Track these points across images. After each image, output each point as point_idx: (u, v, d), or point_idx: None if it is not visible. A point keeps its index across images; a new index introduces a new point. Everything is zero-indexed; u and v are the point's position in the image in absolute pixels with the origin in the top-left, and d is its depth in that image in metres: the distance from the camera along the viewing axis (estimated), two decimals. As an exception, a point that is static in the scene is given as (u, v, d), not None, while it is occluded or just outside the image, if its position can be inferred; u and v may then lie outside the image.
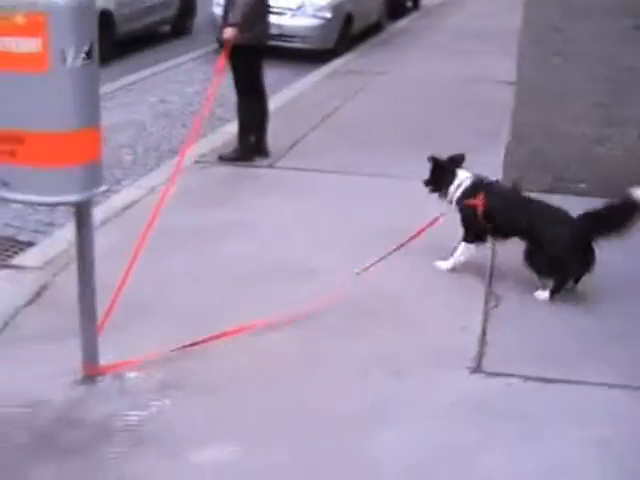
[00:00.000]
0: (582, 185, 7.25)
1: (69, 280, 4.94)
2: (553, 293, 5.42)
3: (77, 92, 3.56)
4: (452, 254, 5.76)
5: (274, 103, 9.78)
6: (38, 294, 5.34)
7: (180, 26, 16.21)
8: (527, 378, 4.43)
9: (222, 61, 7.01)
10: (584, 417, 4.15)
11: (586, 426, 4.07)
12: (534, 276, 5.46)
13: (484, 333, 4.88)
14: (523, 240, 5.51)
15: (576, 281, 5.54)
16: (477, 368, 4.53)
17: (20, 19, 3.44)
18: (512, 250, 5.65)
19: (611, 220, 5.34)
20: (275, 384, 4.38)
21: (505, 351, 4.73)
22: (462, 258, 5.77)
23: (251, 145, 8.21)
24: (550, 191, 7.16)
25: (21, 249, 6.40)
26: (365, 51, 14.89)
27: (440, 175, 5.88)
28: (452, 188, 5.76)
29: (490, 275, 5.69)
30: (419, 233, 5.75)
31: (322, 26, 14.06)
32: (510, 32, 9.62)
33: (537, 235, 5.45)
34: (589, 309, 5.35)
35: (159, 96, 11.40)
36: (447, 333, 4.91)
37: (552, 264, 5.42)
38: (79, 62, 3.50)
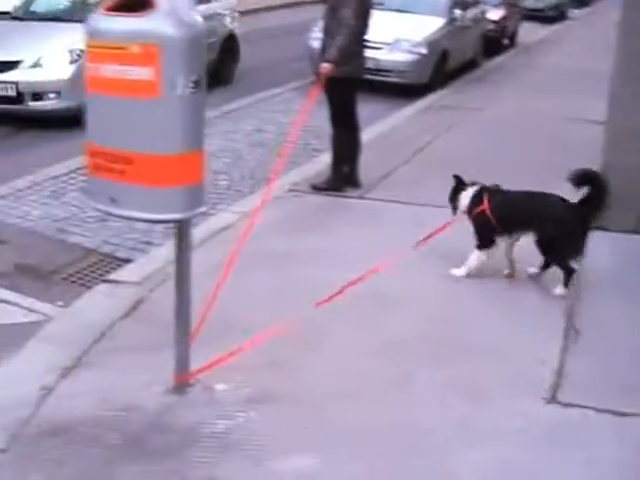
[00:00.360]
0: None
1: (164, 296, 5.22)
2: (566, 284, 6.02)
3: (184, 118, 3.84)
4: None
5: (367, 135, 10.02)
6: (134, 308, 5.63)
7: (221, 74, 14.32)
8: (602, 411, 4.52)
9: (314, 93, 7.31)
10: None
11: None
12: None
13: (562, 365, 4.99)
14: (529, 232, 6.08)
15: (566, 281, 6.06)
16: (552, 398, 4.64)
17: (136, 49, 3.73)
18: (594, 289, 5.77)
19: (597, 204, 6.04)
20: (357, 402, 4.57)
21: (582, 383, 4.83)
22: (475, 264, 6.23)
23: (343, 176, 8.44)
24: (634, 231, 7.25)
25: (118, 265, 6.74)
26: (459, 87, 15.05)
27: (457, 192, 6.41)
28: (462, 199, 6.31)
29: (571, 309, 5.79)
30: (437, 232, 6.13)
31: (418, 61, 14.26)
32: (604, 72, 9.70)
33: (542, 223, 6.04)
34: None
35: (255, 125, 11.73)
36: (525, 364, 5.04)
37: (558, 247, 6.04)
38: (187, 90, 3.77)
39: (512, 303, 5.92)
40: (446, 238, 6.12)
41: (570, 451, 4.19)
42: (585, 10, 36.07)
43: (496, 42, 20.21)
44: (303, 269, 6.22)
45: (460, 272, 6.25)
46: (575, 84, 14.66)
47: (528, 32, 24.22)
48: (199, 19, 3.88)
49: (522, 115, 12.43)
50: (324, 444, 4.17)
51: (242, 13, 23.37)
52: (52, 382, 4.64)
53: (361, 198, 8.19)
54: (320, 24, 14.14)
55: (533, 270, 6.32)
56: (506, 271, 6.35)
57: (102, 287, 6.07)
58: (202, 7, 12.27)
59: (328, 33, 8.09)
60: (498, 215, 6.14)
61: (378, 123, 11.59)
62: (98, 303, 5.75)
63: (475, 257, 6.25)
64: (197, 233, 6.51)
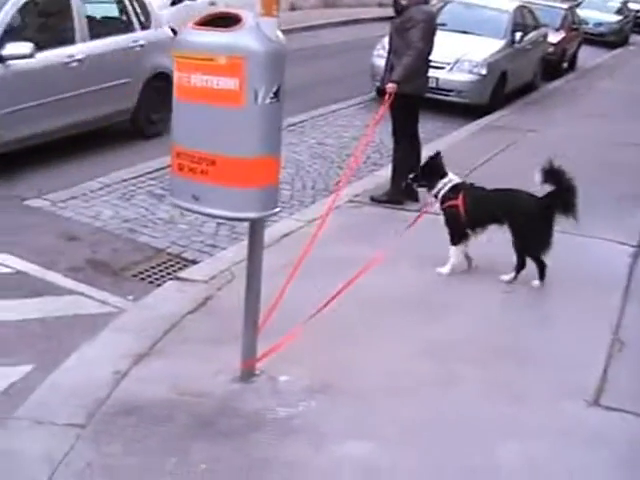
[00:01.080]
0: None
1: (231, 294, 5.59)
2: (542, 277, 6.51)
3: (264, 125, 4.18)
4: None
5: (426, 152, 10.26)
6: (202, 304, 5.97)
7: (141, 124, 10.92)
8: (641, 416, 4.79)
9: (381, 111, 7.67)
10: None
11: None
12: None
13: (605, 372, 5.25)
14: (502, 226, 6.50)
15: (541, 274, 6.55)
16: (595, 402, 4.91)
17: (222, 60, 4.07)
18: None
19: (565, 199, 6.49)
20: (411, 397, 4.89)
21: (624, 390, 5.09)
22: (456, 260, 6.69)
23: (402, 189, 8.73)
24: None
25: (185, 265, 7.09)
26: (517, 109, 15.23)
27: (431, 173, 6.90)
28: (440, 184, 6.79)
29: (617, 322, 6.04)
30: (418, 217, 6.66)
31: (477, 82, 14.47)
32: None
33: (513, 218, 6.47)
34: None
35: (317, 138, 12.06)
36: (570, 369, 5.31)
37: (526, 240, 6.50)
38: (268, 100, 4.12)
39: (559, 313, 6.16)
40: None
41: (608, 451, 4.45)
42: (648, 36, 35.97)
43: (555, 65, 20.24)
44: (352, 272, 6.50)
45: (445, 270, 6.68)
46: (631, 109, 14.83)
47: (588, 56, 24.33)
48: (281, 36, 4.23)
49: (575, 138, 12.62)
50: (378, 433, 4.48)
51: (303, 29, 23.98)
52: (125, 368, 5.00)
53: (418, 211, 8.45)
54: (384, 42, 14.58)
55: (506, 277, 6.64)
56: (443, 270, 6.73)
57: (171, 284, 6.42)
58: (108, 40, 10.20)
59: (395, 53, 8.45)
60: (470, 211, 6.57)
61: (436, 140, 11.86)
62: (168, 298, 6.10)
63: (453, 253, 6.70)
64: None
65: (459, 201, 6.63)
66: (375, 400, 4.83)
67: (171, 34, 11.08)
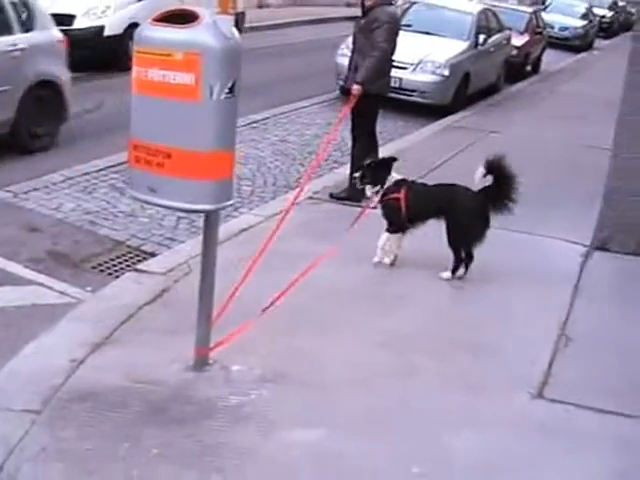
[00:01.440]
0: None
1: (187, 286, 5.69)
2: (454, 271, 6.71)
3: (219, 120, 4.29)
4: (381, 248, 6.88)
5: (387, 151, 10.37)
6: (159, 295, 6.07)
7: (21, 138, 9.74)
8: (583, 407, 4.96)
9: (345, 110, 7.85)
10: (628, 445, 4.66)
11: (628, 453, 4.59)
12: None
13: (550, 366, 5.41)
14: (440, 219, 6.69)
15: (466, 266, 6.74)
16: (539, 394, 5.07)
17: (179, 56, 4.18)
18: (591, 302, 6.27)
19: (500, 194, 6.66)
20: (364, 387, 5.02)
21: (567, 383, 5.26)
22: (387, 247, 6.86)
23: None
24: (633, 253, 7.66)
25: (145, 258, 7.18)
26: (479, 110, 15.42)
27: (377, 171, 6.99)
28: (384, 180, 6.91)
29: (566, 318, 6.21)
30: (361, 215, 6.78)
31: (440, 83, 14.64)
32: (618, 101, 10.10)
33: (450, 211, 6.67)
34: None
35: (280, 136, 12.18)
36: (518, 363, 5.48)
37: (462, 234, 6.67)
38: (223, 96, 4.23)
39: (510, 309, 6.33)
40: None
41: (551, 440, 4.62)
42: (612, 41, 36.40)
43: (519, 68, 20.46)
44: (316, 270, 6.60)
45: (376, 259, 6.86)
46: (592, 112, 15.04)
47: (553, 60, 24.61)
48: (236, 33, 4.34)
49: (536, 140, 12.83)
50: (328, 421, 4.60)
51: (271, 27, 24.10)
52: (82, 356, 5.09)
53: (375, 208, 8.58)
54: (348, 42, 14.70)
55: (446, 274, 6.77)
56: (387, 260, 6.92)
57: (130, 275, 6.51)
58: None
59: (359, 52, 8.62)
60: (411, 205, 6.75)
61: (397, 140, 12.03)
62: (126, 289, 6.19)
63: (384, 238, 6.85)
64: (220, 232, 6.93)
65: (401, 194, 6.80)
66: (328, 389, 4.95)
67: (60, 37, 10.40)
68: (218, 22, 4.22)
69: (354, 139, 8.96)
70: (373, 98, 8.61)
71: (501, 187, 6.65)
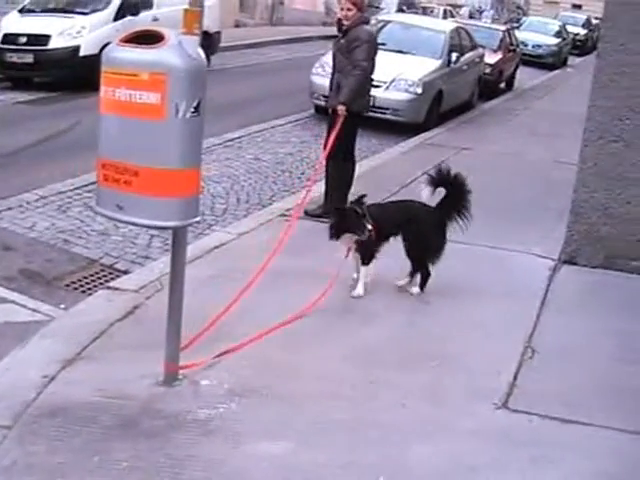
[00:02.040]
0: (634, 263, 7.80)
1: (159, 303, 5.75)
2: (423, 286, 6.76)
3: (185, 138, 4.38)
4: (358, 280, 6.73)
5: (359, 169, 10.52)
6: (131, 312, 6.12)
7: None
8: (547, 417, 5.06)
9: (337, 132, 8.24)
10: (590, 452, 4.76)
11: (589, 459, 4.69)
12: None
13: (515, 378, 5.51)
14: (400, 235, 6.72)
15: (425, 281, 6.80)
16: (503, 405, 5.17)
17: (145, 76, 4.28)
18: (558, 315, 6.35)
19: (457, 206, 6.75)
20: (331, 400, 5.09)
21: (532, 394, 5.35)
22: (369, 279, 6.72)
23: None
24: (602, 267, 7.79)
25: (118, 276, 7.25)
26: (452, 127, 15.56)
27: (353, 219, 6.58)
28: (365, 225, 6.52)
29: (532, 331, 6.31)
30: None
31: (413, 100, 14.79)
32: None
33: (409, 227, 6.70)
34: (618, 366, 5.94)
35: (254, 154, 12.28)
36: (483, 374, 5.56)
37: (422, 249, 6.72)
38: (189, 115, 4.32)
39: (477, 322, 6.42)
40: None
41: (514, 450, 4.71)
42: (586, 58, 36.75)
43: (493, 86, 20.69)
44: (287, 285, 6.71)
45: (360, 291, 6.68)
46: (564, 129, 15.18)
47: (527, 77, 24.87)
48: (202, 53, 4.44)
49: (509, 156, 13.00)
50: (295, 434, 4.68)
51: (247, 46, 24.24)
52: (53, 372, 5.14)
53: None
54: (322, 61, 14.88)
55: (401, 282, 6.90)
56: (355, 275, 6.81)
57: (102, 293, 6.57)
58: None
59: (341, 72, 8.71)
60: (379, 231, 6.63)
61: (371, 157, 12.15)
62: (98, 306, 6.25)
63: (365, 274, 6.71)
64: (193, 249, 7.05)
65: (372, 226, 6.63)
66: (295, 403, 5.02)
67: None
68: (183, 42, 4.32)
69: (329, 158, 9.00)
70: (353, 117, 8.72)
71: (455, 197, 6.74)
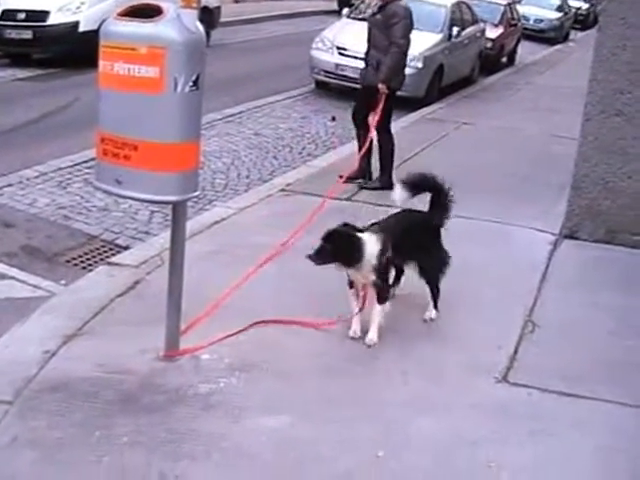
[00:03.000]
0: (635, 237, 7.79)
1: (160, 278, 5.74)
2: (435, 304, 5.91)
3: (184, 112, 4.37)
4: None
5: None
6: (131, 287, 6.12)
7: None
8: (546, 390, 5.07)
9: (381, 112, 8.58)
10: (589, 426, 4.77)
11: (589, 433, 4.70)
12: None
13: (516, 352, 5.52)
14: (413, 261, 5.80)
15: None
16: (503, 379, 5.18)
17: (143, 50, 4.25)
18: (559, 290, 6.38)
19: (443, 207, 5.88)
20: (331, 376, 5.10)
21: (531, 368, 5.36)
22: (382, 321, 5.49)
23: (391, 176, 9.05)
24: (602, 241, 7.78)
25: (118, 252, 7.25)
26: (453, 102, 15.51)
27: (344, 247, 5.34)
28: (366, 256, 5.31)
29: (532, 305, 6.32)
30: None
31: (414, 75, 14.68)
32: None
33: (419, 248, 5.73)
34: (618, 340, 5.93)
35: (254, 129, 12.26)
36: (484, 349, 5.58)
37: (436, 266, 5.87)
38: (187, 88, 4.31)
39: (477, 296, 6.42)
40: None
41: (512, 422, 4.73)
42: (588, 32, 36.54)
43: (494, 60, 20.60)
44: (291, 262, 6.65)
45: (374, 338, 5.48)
46: (565, 103, 15.10)
47: (528, 52, 24.76)
48: (200, 27, 4.42)
49: (510, 131, 12.95)
50: (295, 408, 4.69)
51: (246, 22, 24.12)
52: (54, 347, 5.15)
53: (348, 200, 8.67)
54: (322, 36, 14.86)
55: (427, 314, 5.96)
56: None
57: (102, 268, 6.57)
58: None
59: (376, 47, 8.88)
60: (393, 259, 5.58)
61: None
62: (98, 282, 6.25)
63: (380, 314, 5.49)
64: (193, 225, 7.06)
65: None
66: (296, 378, 5.03)
67: None
68: (182, 16, 4.29)
69: (378, 133, 9.06)
70: (394, 93, 8.93)
71: (440, 199, 5.90)
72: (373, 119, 8.65)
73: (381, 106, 8.59)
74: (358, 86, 9.62)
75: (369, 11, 15.43)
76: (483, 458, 4.39)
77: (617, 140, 7.69)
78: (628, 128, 7.67)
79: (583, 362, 5.53)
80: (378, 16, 8.91)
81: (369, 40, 9.05)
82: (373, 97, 8.72)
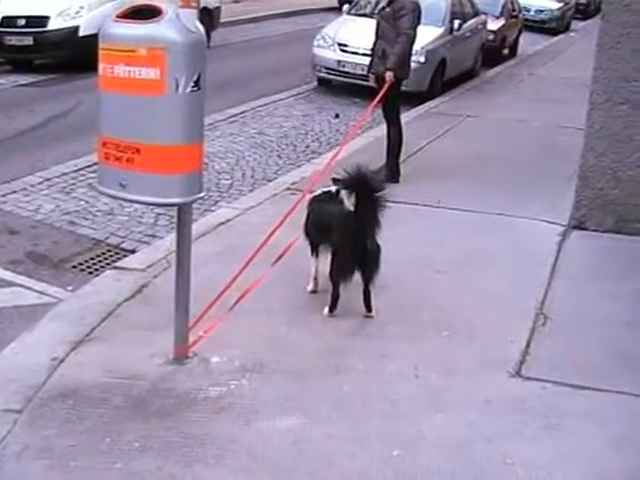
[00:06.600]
0: (643, 226, 7.74)
1: (167, 282, 5.72)
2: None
3: (186, 113, 4.32)
4: None
5: (366, 139, 10.57)
6: (138, 291, 6.08)
7: None
8: (560, 384, 5.02)
9: (380, 97, 8.59)
10: (604, 419, 4.72)
11: (604, 426, 4.64)
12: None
13: (528, 345, 5.47)
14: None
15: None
16: (517, 373, 5.13)
17: (143, 52, 4.21)
18: (569, 281, 6.34)
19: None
20: (342, 374, 5.05)
21: (545, 361, 5.31)
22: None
23: (397, 168, 9.29)
24: (611, 231, 7.72)
25: (125, 256, 7.21)
26: (457, 95, 15.42)
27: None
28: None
29: (543, 298, 6.26)
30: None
31: (416, 69, 14.60)
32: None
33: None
34: (630, 331, 5.88)
35: (258, 128, 12.20)
36: (496, 343, 5.53)
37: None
38: (189, 89, 4.26)
39: (488, 289, 6.37)
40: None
41: (526, 417, 4.68)
42: (589, 22, 36.39)
43: (496, 52, 20.48)
44: (296, 261, 6.61)
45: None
46: (569, 94, 15.04)
47: (530, 43, 24.65)
48: (200, 26, 4.37)
49: (514, 122, 12.88)
50: (308, 409, 4.64)
51: (247, 21, 24.07)
52: (62, 354, 5.11)
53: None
54: (324, 33, 14.86)
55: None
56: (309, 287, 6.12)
57: (109, 273, 6.53)
58: None
59: (384, 39, 9.12)
60: None
61: (376, 128, 12.03)
62: (105, 286, 6.21)
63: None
64: (199, 226, 7.02)
65: None
66: (307, 378, 4.99)
67: None
68: (181, 16, 4.24)
69: (388, 124, 9.47)
70: (398, 83, 9.10)
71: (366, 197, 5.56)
72: (374, 101, 8.64)
73: (383, 92, 8.68)
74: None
75: (369, 7, 15.46)
76: (499, 454, 4.34)
77: (624, 128, 7.63)
78: (635, 116, 7.61)
79: (596, 354, 5.48)
80: (387, 9, 9.18)
81: (377, 32, 9.27)
82: (389, 88, 8.87)
